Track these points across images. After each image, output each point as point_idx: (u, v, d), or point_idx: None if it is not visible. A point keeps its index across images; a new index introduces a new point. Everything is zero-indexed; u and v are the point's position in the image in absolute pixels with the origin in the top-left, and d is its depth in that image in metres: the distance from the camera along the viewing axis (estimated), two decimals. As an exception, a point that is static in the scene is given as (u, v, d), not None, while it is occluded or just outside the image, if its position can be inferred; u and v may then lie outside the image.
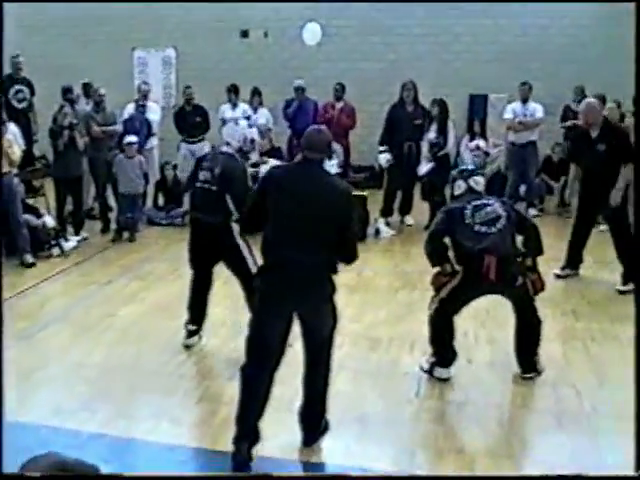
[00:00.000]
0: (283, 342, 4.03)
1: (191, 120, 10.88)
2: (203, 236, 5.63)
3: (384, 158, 9.77)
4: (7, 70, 10.76)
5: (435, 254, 5.23)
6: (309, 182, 3.95)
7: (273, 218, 3.96)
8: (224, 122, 11.07)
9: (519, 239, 5.29)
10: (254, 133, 6.48)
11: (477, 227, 5.03)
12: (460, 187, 5.36)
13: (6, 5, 11.70)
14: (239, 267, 5.56)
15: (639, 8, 6.28)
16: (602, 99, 9.67)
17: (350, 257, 4.11)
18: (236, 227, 5.39)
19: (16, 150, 8.21)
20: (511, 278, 5.03)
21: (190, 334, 5.84)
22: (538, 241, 5.27)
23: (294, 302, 3.99)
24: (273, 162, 9.32)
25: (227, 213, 5.46)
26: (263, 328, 4.00)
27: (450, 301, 5.15)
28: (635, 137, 7.27)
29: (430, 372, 5.24)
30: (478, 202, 5.16)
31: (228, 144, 5.84)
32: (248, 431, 4.02)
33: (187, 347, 5.79)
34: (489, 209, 5.10)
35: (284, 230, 3.92)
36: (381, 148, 9.84)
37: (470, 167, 5.78)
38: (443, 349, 5.24)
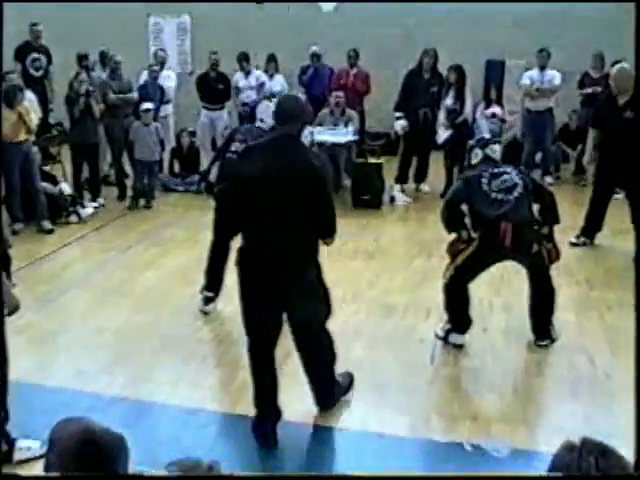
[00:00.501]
0: (278, 318, 3.97)
1: (214, 86, 10.85)
2: None
3: (400, 125, 9.73)
4: (26, 37, 10.79)
5: (452, 221, 5.26)
6: (280, 160, 3.78)
7: (248, 200, 3.83)
8: (238, 90, 11.11)
9: (536, 208, 5.31)
10: None
11: (494, 195, 5.06)
12: (477, 155, 5.37)
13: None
14: None
15: (639, 8, 6.18)
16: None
17: (328, 232, 3.93)
18: None
19: (33, 117, 8.25)
20: (527, 245, 5.06)
21: (207, 300, 5.90)
22: (555, 210, 5.28)
23: (275, 289, 3.86)
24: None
25: None
26: (252, 312, 3.94)
27: (466, 268, 5.18)
28: (634, 127, 7.13)
29: (445, 339, 5.30)
30: (495, 170, 5.17)
31: (262, 121, 5.90)
32: (269, 411, 4.07)
33: (205, 313, 5.87)
34: (506, 177, 5.12)
35: (260, 212, 3.82)
36: (397, 114, 9.80)
37: (487, 136, 5.78)
38: (459, 315, 5.29)
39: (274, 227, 3.78)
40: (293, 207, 3.77)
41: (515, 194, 5.05)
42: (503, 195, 5.04)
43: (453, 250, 5.29)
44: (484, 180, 5.11)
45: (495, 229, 4.97)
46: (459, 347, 5.24)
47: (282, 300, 3.91)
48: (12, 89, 8.01)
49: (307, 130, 9.47)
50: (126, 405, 4.49)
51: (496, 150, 5.40)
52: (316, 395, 4.30)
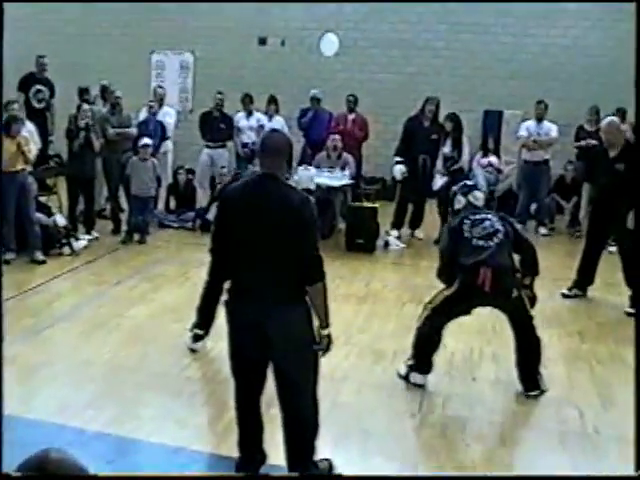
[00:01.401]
0: (262, 363, 3.80)
1: (216, 126, 10.94)
2: None
3: (399, 170, 9.76)
4: (32, 69, 10.88)
5: (450, 280, 5.27)
6: (263, 200, 3.63)
7: (232, 243, 3.72)
8: (238, 130, 11.20)
9: (516, 258, 5.31)
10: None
11: (475, 241, 5.11)
12: (460, 202, 5.46)
13: (25, 5, 11.88)
14: None
15: (639, 8, 6.23)
16: (622, 115, 9.66)
17: (314, 276, 3.65)
18: None
19: (32, 148, 8.29)
20: (506, 290, 5.06)
21: (196, 338, 5.86)
22: (535, 262, 5.29)
23: (259, 333, 3.67)
24: (302, 171, 9.40)
25: None
26: (237, 355, 3.84)
27: (442, 310, 5.20)
28: (635, 151, 7.19)
29: (406, 378, 5.32)
30: (477, 216, 5.24)
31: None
32: (253, 454, 4.00)
33: (193, 351, 5.82)
34: (487, 224, 5.17)
35: (242, 253, 3.69)
36: (397, 159, 9.84)
37: (470, 183, 5.87)
38: (424, 357, 5.30)
39: (258, 268, 3.66)
40: (276, 247, 3.63)
41: (496, 240, 5.09)
42: (484, 242, 5.09)
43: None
44: (465, 227, 5.18)
45: (475, 274, 4.99)
46: (422, 387, 5.20)
47: (267, 345, 3.71)
48: (11, 119, 8.08)
49: (308, 174, 9.57)
50: (109, 441, 4.42)
51: (479, 197, 5.48)
52: (289, 463, 3.94)
